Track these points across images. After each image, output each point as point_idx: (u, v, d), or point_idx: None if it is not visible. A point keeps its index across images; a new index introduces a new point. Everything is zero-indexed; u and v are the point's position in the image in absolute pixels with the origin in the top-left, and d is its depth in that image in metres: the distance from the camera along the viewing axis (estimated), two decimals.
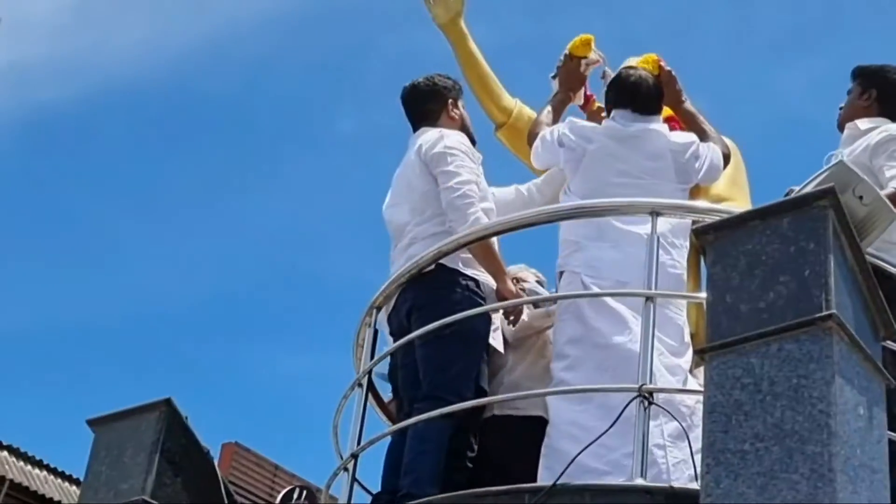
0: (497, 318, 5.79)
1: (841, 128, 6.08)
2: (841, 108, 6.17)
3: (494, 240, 5.80)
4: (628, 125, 5.95)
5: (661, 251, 5.14)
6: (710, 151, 5.91)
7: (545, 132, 6.12)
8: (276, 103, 39.04)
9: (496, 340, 5.73)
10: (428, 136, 6.03)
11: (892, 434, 4.27)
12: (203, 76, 40.94)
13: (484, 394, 5.58)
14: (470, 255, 5.72)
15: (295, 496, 23.70)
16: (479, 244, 5.66)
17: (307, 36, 39.92)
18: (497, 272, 5.69)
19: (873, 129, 5.77)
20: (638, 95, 5.98)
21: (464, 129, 6.23)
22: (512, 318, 5.76)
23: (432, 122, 6.21)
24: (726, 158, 6.00)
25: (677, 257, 5.64)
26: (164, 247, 38.91)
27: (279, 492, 23.02)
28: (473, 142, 6.21)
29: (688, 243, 5.73)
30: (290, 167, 39.59)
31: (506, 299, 5.65)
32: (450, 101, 6.28)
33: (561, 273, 5.79)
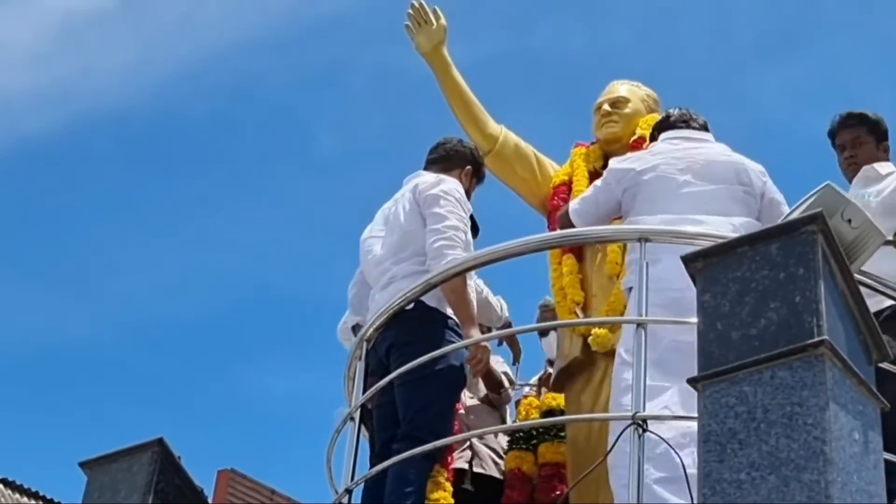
0: None
1: (848, 174, 6.26)
2: (853, 158, 6.31)
3: (472, 286, 5.78)
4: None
5: None
6: None
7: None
8: (258, 123, 39.16)
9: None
10: (427, 177, 6.03)
11: (889, 455, 4.22)
12: (186, 98, 40.91)
13: None
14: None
15: None
16: (452, 289, 5.60)
17: (287, 56, 39.95)
18: (466, 318, 5.62)
19: (893, 173, 6.02)
20: None
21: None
22: (478, 366, 5.65)
23: (441, 172, 6.20)
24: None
25: None
26: (151, 268, 38.83)
27: None
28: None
29: None
30: (273, 186, 39.60)
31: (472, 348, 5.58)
32: (469, 168, 6.30)
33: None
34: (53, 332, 40.46)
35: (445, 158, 6.25)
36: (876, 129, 6.27)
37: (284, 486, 20.75)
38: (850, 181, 6.18)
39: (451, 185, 5.98)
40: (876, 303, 5.43)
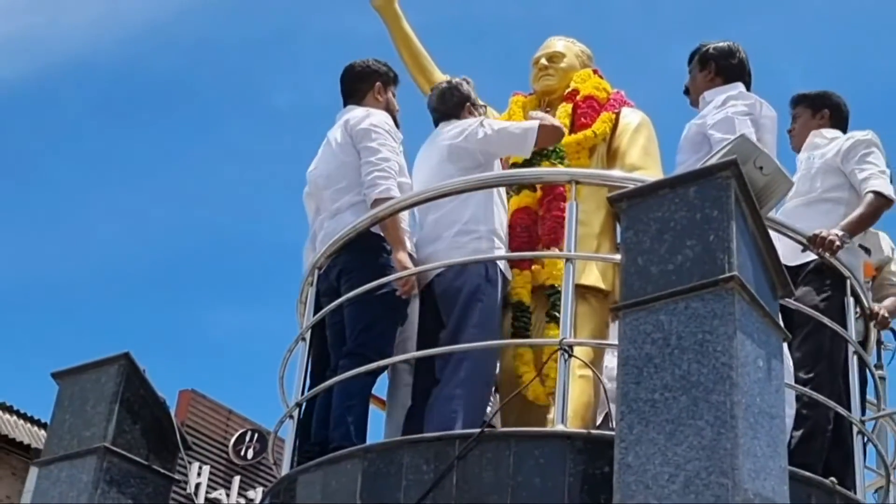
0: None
1: (796, 148, 6.34)
2: (791, 131, 6.43)
3: (405, 214, 5.80)
4: None
5: None
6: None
7: None
8: (217, 78, 39.10)
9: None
10: (356, 112, 6.04)
11: (789, 384, 4.32)
12: (150, 52, 40.60)
13: None
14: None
15: (247, 438, 23.72)
16: (386, 216, 5.62)
17: (245, 16, 39.80)
18: (396, 242, 5.64)
19: (838, 137, 6.08)
20: None
21: (388, 111, 6.20)
22: (405, 288, 5.59)
23: (359, 100, 6.21)
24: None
25: None
26: (117, 210, 38.68)
27: (233, 434, 23.06)
28: (397, 125, 6.18)
29: None
30: (231, 137, 39.55)
31: (403, 267, 5.56)
32: (378, 83, 6.25)
33: None
34: (24, 267, 40.20)
35: (354, 90, 6.24)
36: (811, 102, 6.38)
37: (241, 408, 20.85)
38: (796, 151, 6.32)
39: (379, 117, 6.01)
40: (803, 256, 5.53)
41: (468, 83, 6.21)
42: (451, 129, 5.92)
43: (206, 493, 19.07)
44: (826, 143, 6.06)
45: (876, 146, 5.93)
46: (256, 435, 20.42)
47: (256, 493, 19.86)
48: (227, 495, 19.69)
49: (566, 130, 6.17)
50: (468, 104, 6.13)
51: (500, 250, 5.75)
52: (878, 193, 5.72)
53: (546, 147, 6.09)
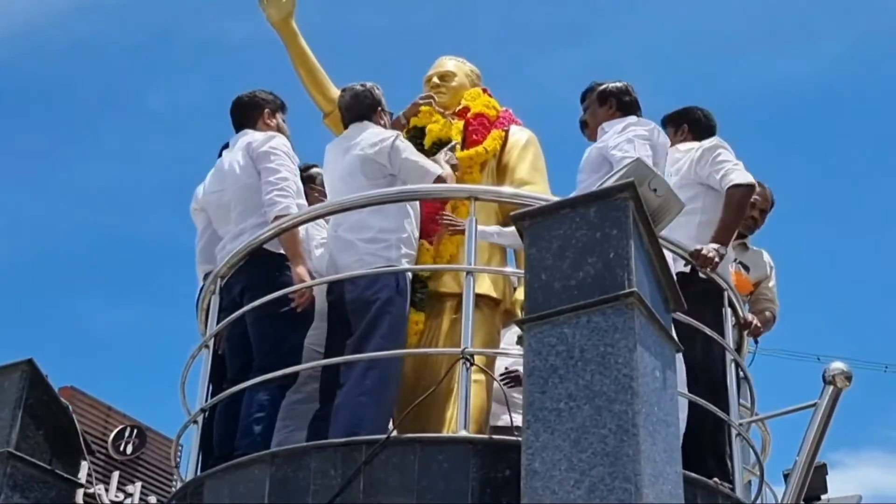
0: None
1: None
2: None
3: (302, 231, 5.81)
4: None
5: None
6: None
7: None
8: (93, 80, 38.42)
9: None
10: (256, 135, 6.04)
11: (682, 392, 4.39)
12: (26, 54, 39.70)
13: None
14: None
15: (126, 434, 23.17)
16: (284, 235, 5.62)
17: (122, 20, 39.20)
18: (294, 257, 5.63)
19: (691, 149, 6.15)
20: None
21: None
22: (300, 300, 5.56)
23: (251, 127, 6.19)
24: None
25: None
26: None
27: (112, 430, 22.53)
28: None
29: None
30: (106, 138, 38.90)
31: (301, 281, 5.54)
32: (266, 110, 6.24)
33: None
34: None
35: (245, 119, 6.23)
36: (674, 121, 6.49)
37: (120, 404, 20.48)
38: None
39: (279, 140, 6.00)
40: (678, 266, 5.62)
41: (378, 90, 6.22)
42: (365, 138, 5.92)
43: (85, 487, 18.67)
44: (681, 156, 6.17)
45: (722, 147, 6.05)
46: (136, 431, 20.12)
47: (135, 488, 19.56)
48: (107, 490, 19.32)
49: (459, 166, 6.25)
50: (380, 108, 6.15)
51: (412, 257, 5.76)
52: (735, 185, 5.80)
53: None
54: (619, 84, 6.14)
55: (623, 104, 6.04)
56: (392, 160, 5.81)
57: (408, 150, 5.93)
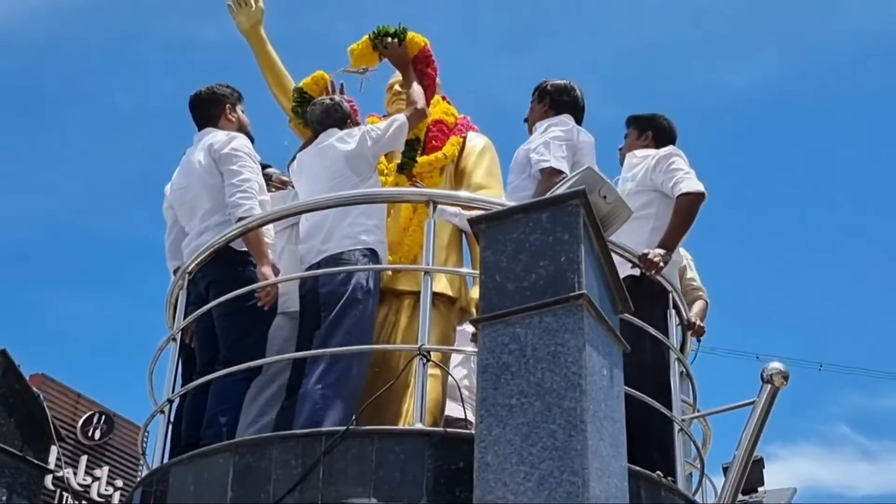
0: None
1: (622, 161, 6.37)
2: (621, 149, 6.48)
3: (269, 228, 5.78)
4: None
5: None
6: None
7: None
8: (61, 79, 38.08)
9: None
10: (218, 136, 5.98)
11: (628, 389, 4.40)
12: None
13: None
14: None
15: (94, 420, 22.91)
16: (249, 235, 5.61)
17: (90, 21, 38.89)
18: (259, 256, 5.63)
19: (648, 156, 6.11)
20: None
21: (241, 130, 6.16)
22: (265, 298, 5.54)
23: (213, 123, 6.15)
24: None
25: None
26: None
27: (81, 416, 22.28)
28: (252, 140, 6.14)
29: None
30: (73, 135, 38.56)
31: (265, 279, 5.53)
32: (227, 106, 6.20)
33: None
34: None
35: (206, 116, 6.18)
36: (639, 124, 6.45)
37: (89, 391, 20.32)
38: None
39: (240, 141, 5.97)
40: (625, 270, 5.63)
41: (345, 104, 6.23)
42: (342, 141, 5.92)
43: (54, 472, 18.55)
44: (638, 162, 6.17)
45: (676, 155, 6.02)
46: (104, 417, 19.98)
47: (103, 472, 19.42)
48: (75, 474, 19.19)
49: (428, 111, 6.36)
50: (349, 121, 6.15)
51: (383, 244, 5.80)
52: (685, 194, 5.77)
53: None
54: (560, 82, 6.11)
55: (556, 103, 6.02)
56: (373, 146, 5.91)
57: (375, 127, 6.04)
